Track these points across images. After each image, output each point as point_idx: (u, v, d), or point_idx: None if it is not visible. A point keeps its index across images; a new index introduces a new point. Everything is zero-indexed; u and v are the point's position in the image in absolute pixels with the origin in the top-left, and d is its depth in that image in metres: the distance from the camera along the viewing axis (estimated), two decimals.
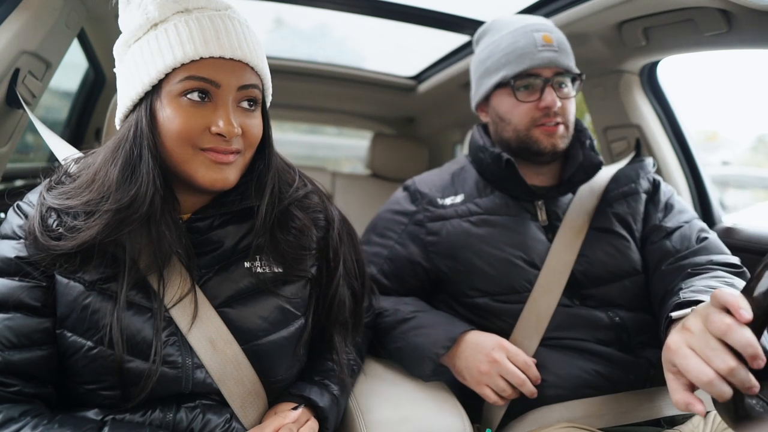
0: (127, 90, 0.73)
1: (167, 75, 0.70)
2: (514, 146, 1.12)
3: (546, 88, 1.07)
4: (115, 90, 0.79)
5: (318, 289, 0.87)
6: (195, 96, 0.71)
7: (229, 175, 0.74)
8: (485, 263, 1.07)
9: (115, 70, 0.77)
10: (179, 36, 0.69)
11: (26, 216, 0.73)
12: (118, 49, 0.76)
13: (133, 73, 0.72)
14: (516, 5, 1.48)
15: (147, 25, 0.72)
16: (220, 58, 0.71)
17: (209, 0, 0.74)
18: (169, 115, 0.70)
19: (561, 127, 1.09)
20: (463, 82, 1.98)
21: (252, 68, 0.75)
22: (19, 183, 1.47)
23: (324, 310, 0.87)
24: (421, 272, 1.14)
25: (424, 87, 2.25)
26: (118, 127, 0.77)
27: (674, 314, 0.76)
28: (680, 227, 1.06)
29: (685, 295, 0.81)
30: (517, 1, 1.47)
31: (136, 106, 0.73)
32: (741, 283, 0.86)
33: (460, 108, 2.23)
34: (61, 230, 0.70)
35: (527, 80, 1.09)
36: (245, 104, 0.75)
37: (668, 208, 1.11)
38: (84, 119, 1.79)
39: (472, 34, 1.77)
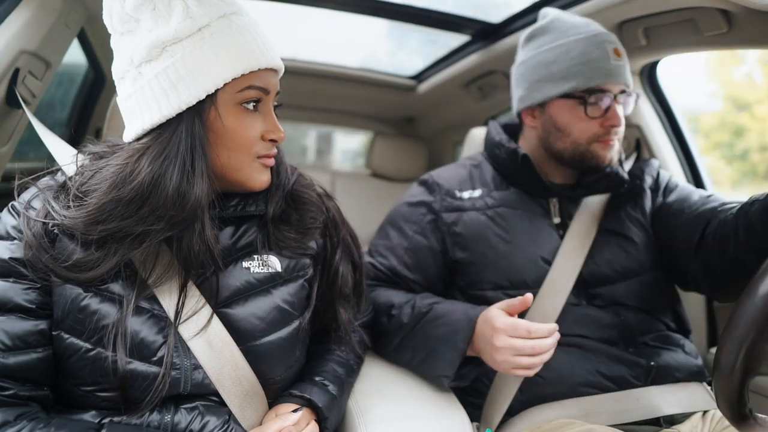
0: (166, 98, 0.68)
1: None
2: (567, 157, 1.09)
3: (613, 105, 1.04)
4: (115, 90, 0.76)
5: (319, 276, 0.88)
6: (250, 105, 0.73)
7: (270, 176, 0.79)
8: (499, 256, 1.07)
9: (129, 72, 0.71)
10: (236, 44, 0.70)
11: (19, 215, 0.71)
12: (149, 50, 0.68)
13: (183, 78, 0.68)
14: (516, 5, 1.48)
15: (191, 28, 0.68)
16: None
17: (238, 5, 0.74)
18: (231, 124, 0.72)
19: (617, 142, 1.08)
20: (463, 82, 1.98)
21: (277, 72, 0.77)
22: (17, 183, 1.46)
23: (327, 283, 0.89)
24: (441, 261, 1.14)
25: (424, 87, 2.25)
26: (129, 138, 0.73)
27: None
28: (682, 196, 1.09)
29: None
30: (518, 1, 1.47)
31: (179, 116, 0.69)
32: None
33: (460, 108, 2.23)
34: (77, 257, 0.68)
35: (598, 95, 1.04)
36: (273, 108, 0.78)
37: (668, 188, 1.14)
38: (84, 119, 1.79)
39: (472, 34, 1.78)
